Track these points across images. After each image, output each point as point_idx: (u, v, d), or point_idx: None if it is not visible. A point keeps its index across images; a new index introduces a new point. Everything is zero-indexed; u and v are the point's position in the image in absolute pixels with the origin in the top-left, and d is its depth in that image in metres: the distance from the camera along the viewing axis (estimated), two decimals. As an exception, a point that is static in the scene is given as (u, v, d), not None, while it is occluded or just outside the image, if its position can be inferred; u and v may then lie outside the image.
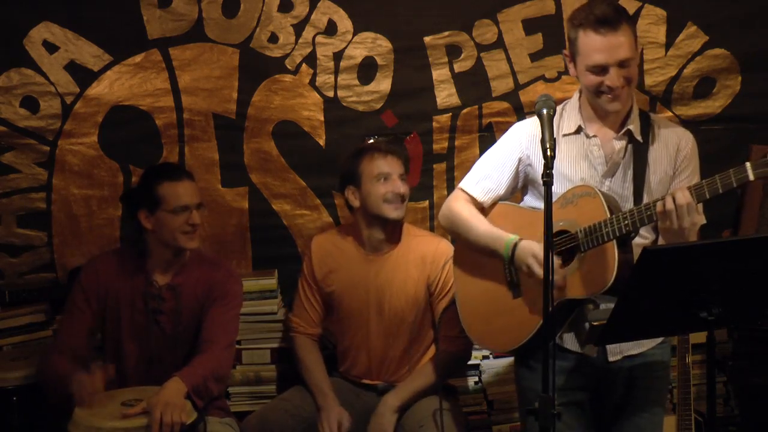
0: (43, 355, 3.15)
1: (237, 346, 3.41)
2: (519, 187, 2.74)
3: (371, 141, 3.68)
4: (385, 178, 3.26)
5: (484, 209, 2.75)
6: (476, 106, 3.74)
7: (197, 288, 3.13)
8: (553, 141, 2.23)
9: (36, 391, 3.16)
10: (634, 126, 2.54)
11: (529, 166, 2.65)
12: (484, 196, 2.72)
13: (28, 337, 3.55)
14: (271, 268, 3.70)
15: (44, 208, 3.65)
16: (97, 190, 3.66)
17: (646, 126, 2.56)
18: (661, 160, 2.55)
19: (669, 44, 3.75)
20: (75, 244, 3.67)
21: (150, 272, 3.13)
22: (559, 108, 2.61)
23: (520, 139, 2.67)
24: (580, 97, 2.61)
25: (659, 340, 2.63)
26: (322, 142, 3.72)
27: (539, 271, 2.42)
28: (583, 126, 2.57)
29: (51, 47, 3.55)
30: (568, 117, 2.61)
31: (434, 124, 3.74)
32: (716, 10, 3.75)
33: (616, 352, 2.57)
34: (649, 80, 3.77)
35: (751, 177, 2.22)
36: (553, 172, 2.44)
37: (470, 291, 2.79)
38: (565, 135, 2.59)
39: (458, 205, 2.75)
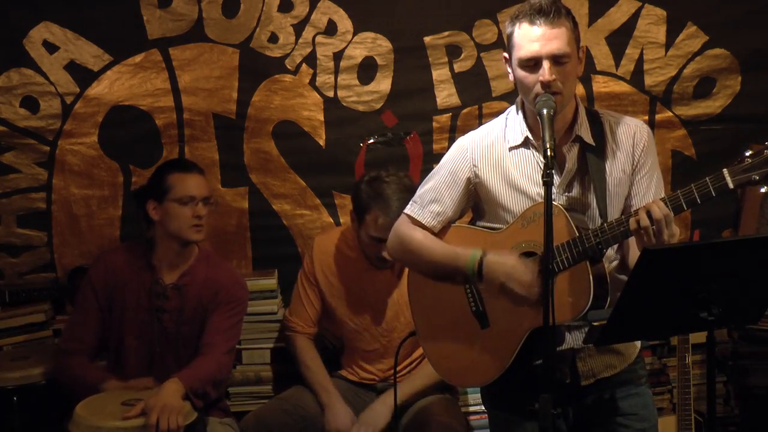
0: (59, 354, 3.16)
1: (237, 346, 3.41)
2: (469, 207, 2.51)
3: (371, 141, 3.69)
4: None
5: (435, 235, 2.48)
6: (476, 106, 3.74)
7: (202, 289, 3.14)
8: (553, 141, 2.13)
9: (36, 391, 3.16)
10: (583, 130, 2.35)
11: (479, 183, 2.42)
12: (432, 221, 2.46)
13: (28, 337, 3.55)
14: (271, 268, 3.70)
15: (44, 208, 3.65)
16: (97, 190, 3.67)
17: (597, 125, 2.38)
18: (618, 159, 2.36)
19: (669, 44, 3.76)
20: (75, 244, 3.67)
21: (157, 270, 3.15)
22: (501, 118, 2.45)
23: (466, 155, 2.44)
24: (523, 106, 2.40)
25: (631, 360, 2.46)
26: (322, 142, 3.72)
27: (518, 289, 2.27)
28: (530, 137, 2.37)
29: (51, 47, 3.55)
30: (512, 129, 2.40)
31: (434, 124, 3.74)
32: (716, 10, 3.75)
33: (588, 375, 2.41)
34: (649, 80, 3.77)
35: (731, 185, 2.09)
36: (506, 188, 2.37)
37: (431, 325, 2.53)
38: (512, 148, 2.38)
39: (408, 230, 2.48)
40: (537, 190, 2.34)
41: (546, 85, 2.24)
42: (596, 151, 2.36)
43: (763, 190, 2.12)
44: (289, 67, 3.67)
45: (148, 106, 3.64)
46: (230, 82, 3.66)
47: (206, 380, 2.97)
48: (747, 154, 2.11)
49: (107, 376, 3.05)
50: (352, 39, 3.66)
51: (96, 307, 3.14)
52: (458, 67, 3.71)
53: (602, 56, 3.75)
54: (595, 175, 2.34)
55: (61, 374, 3.12)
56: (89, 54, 3.58)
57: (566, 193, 2.36)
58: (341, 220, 3.73)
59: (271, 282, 3.62)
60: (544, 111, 2.19)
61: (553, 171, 2.18)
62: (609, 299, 2.26)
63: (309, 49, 3.66)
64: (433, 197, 2.47)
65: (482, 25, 3.69)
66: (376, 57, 3.68)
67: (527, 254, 2.33)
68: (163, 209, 3.09)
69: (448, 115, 3.74)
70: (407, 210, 2.51)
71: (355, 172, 3.69)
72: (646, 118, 3.78)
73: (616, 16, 3.73)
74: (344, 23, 3.65)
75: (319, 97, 3.69)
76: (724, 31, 3.74)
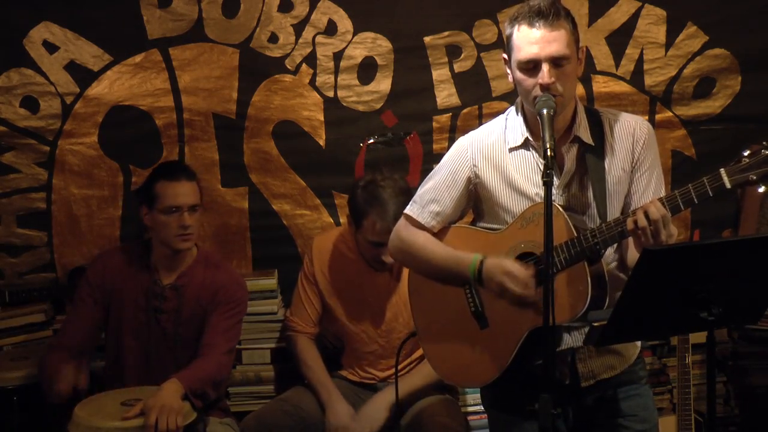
0: (46, 350, 3.15)
1: (237, 347, 3.42)
2: (469, 207, 2.52)
3: (371, 141, 3.69)
4: None
5: (435, 235, 2.49)
6: (476, 106, 3.74)
7: (201, 290, 3.14)
8: (553, 141, 2.13)
9: (36, 391, 3.16)
10: (582, 130, 2.35)
11: (479, 183, 2.42)
12: (432, 221, 2.47)
13: (28, 337, 3.56)
14: (271, 268, 3.70)
15: (44, 208, 3.65)
16: (97, 190, 3.67)
17: (597, 125, 2.37)
18: (617, 157, 2.35)
19: (669, 44, 3.76)
20: (75, 244, 3.67)
21: (155, 270, 3.15)
22: (501, 119, 2.45)
23: (466, 155, 2.44)
24: (523, 107, 2.39)
25: (632, 361, 2.46)
26: (322, 142, 3.72)
27: (514, 287, 2.26)
28: (530, 138, 2.37)
29: (51, 47, 3.55)
30: (512, 130, 2.40)
31: (434, 124, 3.74)
32: (716, 10, 3.75)
33: (588, 377, 2.41)
34: (649, 80, 3.77)
35: (728, 185, 2.09)
36: (505, 189, 2.38)
37: (431, 326, 2.54)
38: (512, 149, 2.38)
39: (409, 232, 2.49)
40: (536, 190, 2.35)
41: (545, 88, 2.24)
42: (595, 151, 2.35)
43: (761, 189, 2.12)
44: (289, 67, 3.67)
45: (148, 106, 3.64)
46: (230, 82, 3.66)
47: (206, 381, 2.96)
48: (745, 153, 2.11)
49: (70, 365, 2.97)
50: (352, 39, 3.66)
51: (91, 307, 3.13)
52: (458, 67, 3.71)
53: (602, 56, 3.75)
54: (594, 175, 2.34)
55: (39, 369, 3.10)
56: (89, 54, 3.58)
57: (565, 194, 2.35)
58: (341, 220, 3.73)
59: (271, 282, 3.62)
60: (544, 111, 2.19)
61: (553, 171, 2.16)
62: (608, 299, 2.26)
63: (309, 49, 3.66)
64: (432, 197, 2.47)
65: (482, 25, 3.69)
66: (376, 57, 3.68)
67: (526, 254, 2.33)
68: (152, 217, 3.10)
69: (448, 115, 3.74)
70: (407, 210, 2.52)
71: (355, 172, 3.69)
72: (646, 118, 3.77)
73: (616, 16, 3.73)
74: (344, 23, 3.65)
75: (319, 97, 3.69)
76: (724, 31, 3.74)
